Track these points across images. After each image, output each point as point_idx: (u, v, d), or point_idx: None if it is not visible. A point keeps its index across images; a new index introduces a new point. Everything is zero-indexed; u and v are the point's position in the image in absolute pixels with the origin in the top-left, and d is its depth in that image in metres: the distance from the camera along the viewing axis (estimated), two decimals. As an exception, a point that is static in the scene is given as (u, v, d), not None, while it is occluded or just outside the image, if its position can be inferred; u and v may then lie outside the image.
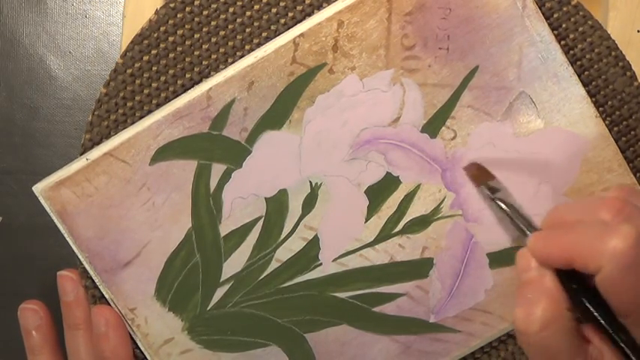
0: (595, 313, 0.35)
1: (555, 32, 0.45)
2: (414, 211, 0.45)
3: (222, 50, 0.45)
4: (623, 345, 0.34)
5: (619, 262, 0.33)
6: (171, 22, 0.45)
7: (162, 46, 0.45)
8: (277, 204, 0.45)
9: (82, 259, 0.44)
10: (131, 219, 0.44)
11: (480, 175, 0.43)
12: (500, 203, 0.40)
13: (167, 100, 0.45)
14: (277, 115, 0.44)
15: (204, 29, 0.45)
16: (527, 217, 0.39)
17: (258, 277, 0.45)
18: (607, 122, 0.45)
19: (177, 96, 0.44)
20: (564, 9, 0.45)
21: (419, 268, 0.45)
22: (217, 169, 0.44)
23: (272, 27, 0.45)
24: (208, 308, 0.45)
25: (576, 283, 0.35)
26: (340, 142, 0.44)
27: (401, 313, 0.45)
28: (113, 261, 0.44)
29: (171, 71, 0.45)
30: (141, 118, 0.45)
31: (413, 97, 0.44)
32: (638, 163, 0.46)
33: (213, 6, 0.45)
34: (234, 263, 0.45)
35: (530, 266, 0.36)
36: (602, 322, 0.35)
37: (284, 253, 0.45)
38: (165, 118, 0.44)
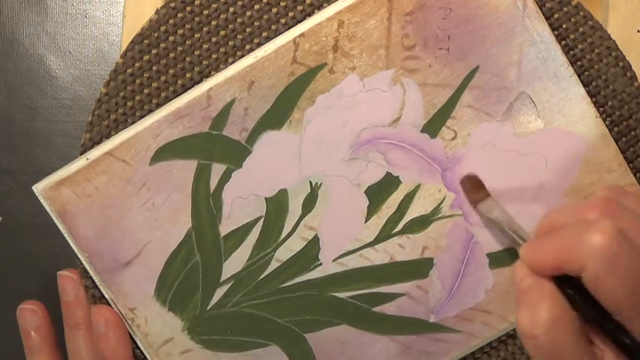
0: (591, 312, 0.35)
1: (556, 32, 0.45)
2: (414, 211, 0.45)
3: (222, 50, 0.45)
4: (623, 341, 0.35)
5: (600, 258, 0.33)
6: (171, 21, 0.45)
7: (162, 45, 0.45)
8: (277, 204, 0.45)
9: (82, 259, 0.44)
10: (131, 219, 0.44)
11: (474, 190, 0.43)
12: (497, 221, 0.41)
13: (167, 99, 0.45)
14: (277, 115, 0.44)
15: (205, 29, 0.45)
16: (521, 230, 0.40)
17: (258, 277, 0.45)
18: (607, 122, 0.45)
19: (177, 96, 0.44)
20: (565, 9, 0.45)
21: (419, 268, 0.45)
22: (217, 169, 0.44)
23: (272, 27, 0.45)
24: (208, 308, 0.45)
25: (572, 287, 0.35)
26: (340, 142, 0.44)
27: (401, 313, 0.45)
28: (113, 261, 0.44)
29: (171, 71, 0.45)
30: (141, 117, 0.45)
31: (413, 97, 0.44)
32: (638, 164, 0.46)
33: (214, 5, 0.45)
34: (234, 263, 0.45)
35: (526, 275, 0.36)
36: (598, 319, 0.35)
37: (284, 253, 0.45)
38: (166, 117, 0.44)
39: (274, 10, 0.45)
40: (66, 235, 0.44)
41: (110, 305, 0.45)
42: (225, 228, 0.45)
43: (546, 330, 0.34)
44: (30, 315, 0.47)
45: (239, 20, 0.45)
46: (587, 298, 0.35)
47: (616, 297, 0.34)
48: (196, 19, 0.45)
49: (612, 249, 0.33)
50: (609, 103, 0.46)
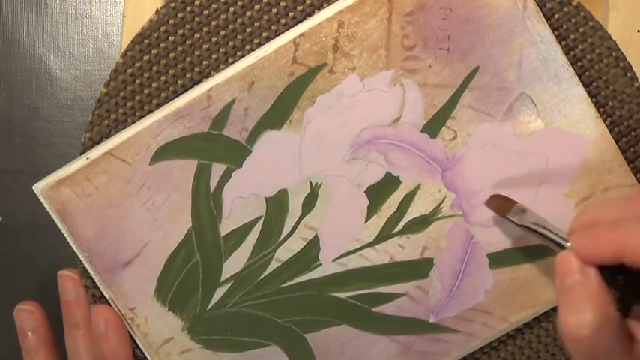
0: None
1: (556, 33, 0.45)
2: (414, 211, 0.45)
3: (222, 50, 0.45)
4: None
5: None
6: (171, 21, 0.45)
7: (162, 45, 0.45)
8: (277, 204, 0.45)
9: (82, 259, 0.44)
10: (131, 219, 0.44)
11: (501, 205, 0.43)
12: (531, 226, 0.41)
13: (167, 99, 0.45)
14: (277, 115, 0.44)
15: (205, 29, 0.45)
16: (557, 228, 0.40)
17: (258, 277, 0.45)
18: (607, 123, 0.45)
19: (177, 96, 0.44)
20: (565, 9, 0.45)
21: (419, 268, 0.45)
22: (217, 169, 0.44)
23: (272, 27, 0.45)
24: (208, 308, 0.45)
25: (617, 273, 0.36)
26: (340, 143, 0.44)
27: (401, 313, 0.45)
28: (113, 260, 0.44)
29: (171, 71, 0.45)
30: (141, 117, 0.45)
31: (413, 97, 0.44)
32: (638, 164, 0.46)
33: (214, 6, 0.45)
34: (234, 263, 0.45)
35: (573, 269, 0.36)
36: None
37: (284, 253, 0.45)
38: (166, 117, 0.44)
39: (274, 10, 0.45)
40: (66, 234, 0.44)
41: (110, 305, 0.45)
42: (225, 228, 0.45)
43: (591, 333, 0.34)
44: (27, 316, 0.47)
45: (239, 20, 0.45)
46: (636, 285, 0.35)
47: None
48: (196, 19, 0.45)
49: None
50: (609, 103, 0.46)
